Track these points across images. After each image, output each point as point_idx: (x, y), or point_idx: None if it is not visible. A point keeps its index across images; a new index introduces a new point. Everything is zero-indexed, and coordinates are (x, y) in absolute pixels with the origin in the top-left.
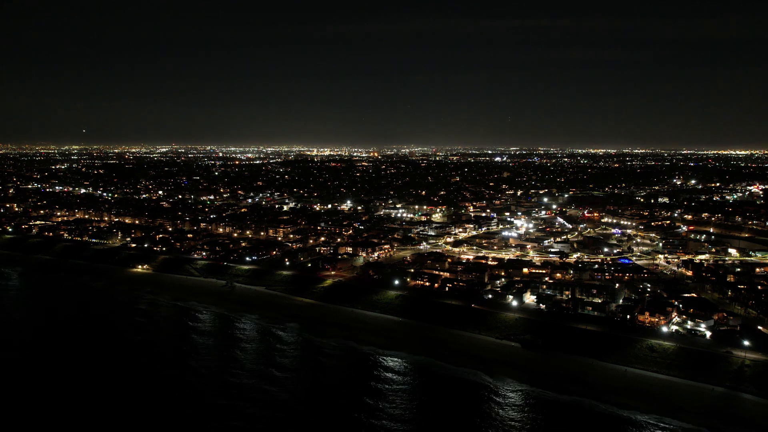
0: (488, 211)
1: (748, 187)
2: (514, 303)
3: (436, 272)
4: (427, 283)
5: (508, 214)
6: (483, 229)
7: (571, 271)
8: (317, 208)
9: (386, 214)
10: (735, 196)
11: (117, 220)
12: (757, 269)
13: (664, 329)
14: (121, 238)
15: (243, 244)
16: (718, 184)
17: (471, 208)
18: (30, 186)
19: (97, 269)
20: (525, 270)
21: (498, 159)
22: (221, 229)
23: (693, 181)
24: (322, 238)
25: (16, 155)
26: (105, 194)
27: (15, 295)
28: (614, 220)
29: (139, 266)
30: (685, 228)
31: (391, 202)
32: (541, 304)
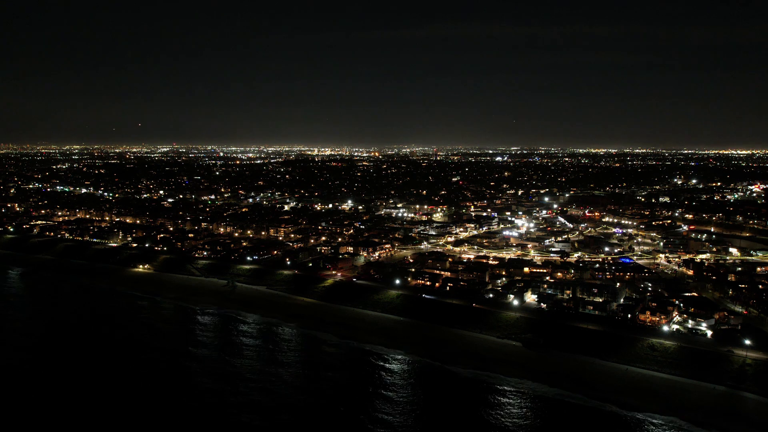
0: (489, 210)
1: (749, 187)
2: (515, 302)
3: (437, 271)
4: (428, 283)
5: (509, 213)
6: (484, 228)
7: (572, 271)
8: (318, 208)
9: (387, 214)
10: (736, 196)
11: (118, 219)
12: (758, 268)
13: (665, 328)
14: (122, 237)
15: (244, 244)
16: (719, 184)
17: (472, 208)
18: (31, 186)
19: (98, 269)
20: (526, 269)
21: (499, 159)
22: (222, 229)
23: (694, 181)
24: (323, 238)
25: (18, 155)
26: (106, 194)
27: (16, 295)
28: (615, 220)
29: (141, 266)
30: (686, 227)
31: (392, 201)
32: (542, 304)
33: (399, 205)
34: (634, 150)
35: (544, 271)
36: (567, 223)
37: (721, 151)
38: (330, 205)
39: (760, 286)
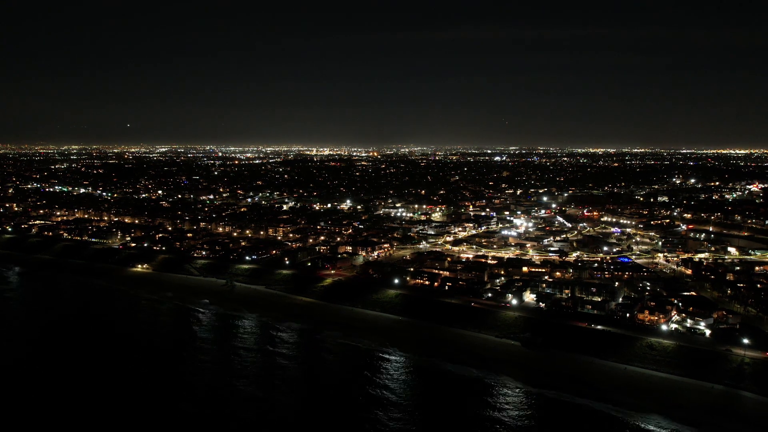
0: (488, 210)
1: (748, 186)
2: (514, 302)
3: (436, 271)
4: (427, 282)
5: (507, 213)
6: (483, 228)
7: (571, 270)
8: (317, 208)
9: (386, 214)
10: (734, 195)
11: (117, 219)
12: (757, 268)
13: (664, 327)
14: (121, 237)
15: (243, 244)
16: (717, 183)
17: (471, 207)
18: (29, 186)
19: (96, 269)
20: (525, 269)
21: (497, 158)
22: (221, 229)
23: (692, 180)
24: (322, 238)
25: (16, 155)
26: (104, 194)
27: (15, 295)
28: (614, 219)
29: (139, 266)
30: (684, 227)
31: (390, 201)
32: (540, 303)
33: (398, 205)
34: (633, 150)
35: (543, 270)
36: (565, 222)
37: (719, 151)
38: (329, 205)
39: (759, 286)
